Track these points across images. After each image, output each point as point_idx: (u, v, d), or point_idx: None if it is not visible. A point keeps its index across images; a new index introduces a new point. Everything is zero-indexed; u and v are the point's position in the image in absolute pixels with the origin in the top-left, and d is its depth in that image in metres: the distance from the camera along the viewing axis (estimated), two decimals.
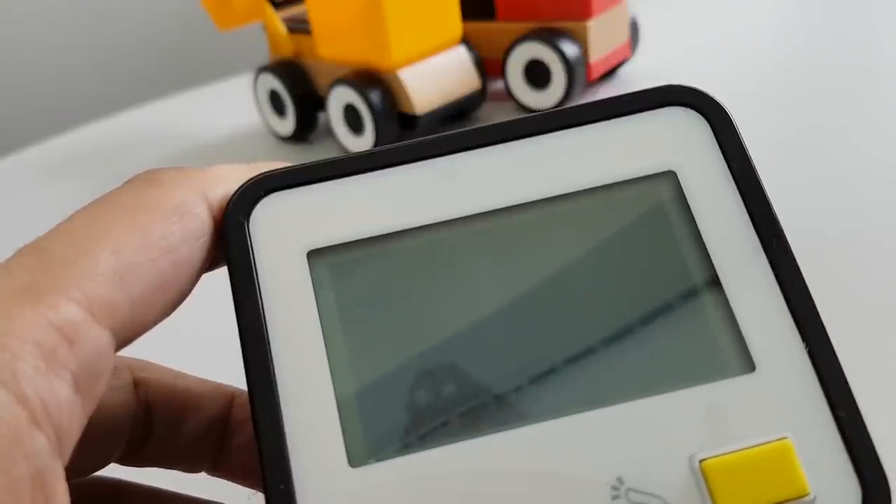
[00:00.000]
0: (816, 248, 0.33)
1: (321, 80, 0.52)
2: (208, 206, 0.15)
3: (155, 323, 0.15)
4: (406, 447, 0.15)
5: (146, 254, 0.14)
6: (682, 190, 0.16)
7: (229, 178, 0.16)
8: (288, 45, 0.54)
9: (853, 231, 0.35)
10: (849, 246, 0.34)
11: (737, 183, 0.16)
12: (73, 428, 0.12)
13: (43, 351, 0.12)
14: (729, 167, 0.16)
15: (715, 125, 0.17)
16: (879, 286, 0.31)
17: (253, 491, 0.20)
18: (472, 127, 0.17)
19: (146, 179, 0.15)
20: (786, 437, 0.14)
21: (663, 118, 0.17)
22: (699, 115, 0.17)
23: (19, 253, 0.13)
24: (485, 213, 0.16)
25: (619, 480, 0.14)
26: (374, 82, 0.48)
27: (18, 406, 0.12)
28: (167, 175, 0.15)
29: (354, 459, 0.14)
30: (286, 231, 0.16)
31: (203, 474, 0.20)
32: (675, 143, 0.16)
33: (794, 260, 0.15)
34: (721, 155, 0.16)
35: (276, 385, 0.15)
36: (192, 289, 0.15)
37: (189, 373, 0.20)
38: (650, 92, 0.17)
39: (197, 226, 0.15)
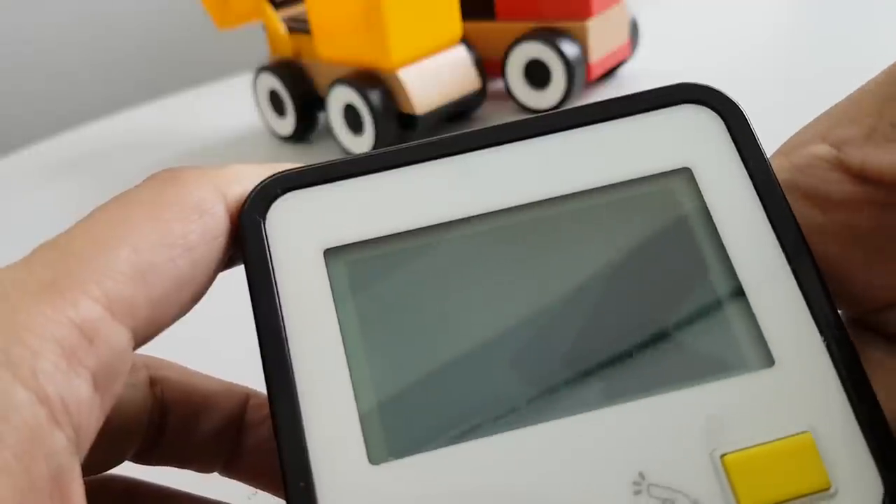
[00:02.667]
0: None
1: (321, 80, 0.52)
2: (226, 205, 0.15)
3: (173, 321, 0.15)
4: (426, 444, 0.14)
5: (165, 252, 0.14)
6: (698, 186, 0.16)
7: (247, 177, 0.16)
8: (288, 45, 0.54)
9: None
10: None
11: (752, 179, 0.16)
12: (91, 427, 0.13)
13: (63, 349, 0.12)
14: (744, 163, 0.16)
15: (730, 122, 0.17)
16: None
17: (254, 491, 0.20)
18: (489, 125, 0.17)
19: (165, 177, 0.15)
20: (806, 431, 0.14)
21: (678, 115, 0.17)
22: (714, 112, 0.17)
23: (39, 249, 0.13)
24: (500, 210, 0.16)
25: (641, 476, 0.14)
26: (374, 82, 0.48)
27: (39, 405, 0.12)
28: (186, 174, 0.15)
29: (374, 456, 0.14)
30: (303, 230, 0.16)
31: (203, 476, 0.20)
32: (691, 140, 0.17)
33: (811, 253, 0.15)
34: (736, 151, 0.16)
35: (294, 383, 0.15)
36: (209, 287, 0.15)
37: (202, 371, 0.20)
38: (665, 90, 0.17)
39: (215, 224, 0.15)
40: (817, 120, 0.17)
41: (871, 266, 0.16)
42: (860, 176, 0.16)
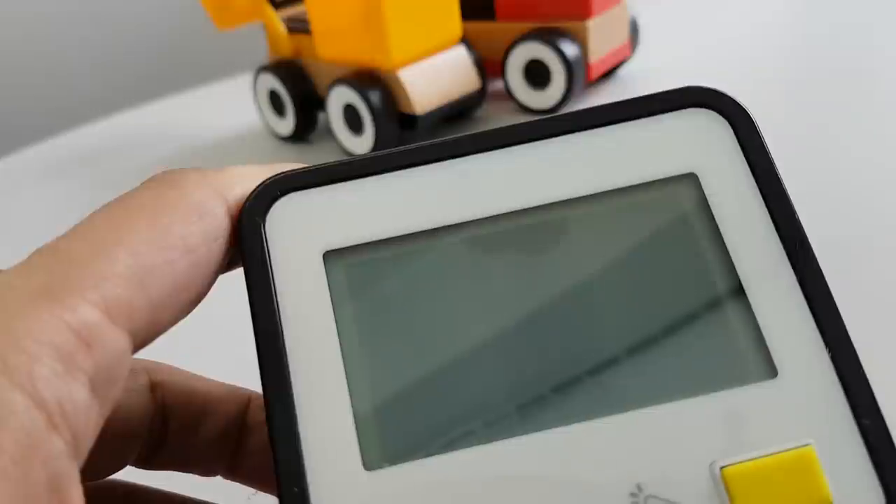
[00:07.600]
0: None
1: (321, 80, 0.52)
2: (226, 207, 0.15)
3: (172, 324, 0.14)
4: (422, 451, 0.14)
5: (165, 255, 0.14)
6: (703, 193, 0.16)
7: (247, 179, 0.16)
8: (288, 45, 0.54)
9: (853, 235, 0.35)
10: (848, 248, 0.34)
11: (759, 186, 0.16)
12: (90, 432, 0.12)
13: (60, 354, 0.12)
14: (751, 170, 0.16)
15: (737, 127, 0.16)
16: (879, 288, 0.31)
17: (253, 491, 0.20)
18: (491, 128, 0.17)
19: (164, 180, 0.15)
20: (808, 444, 0.14)
21: (685, 120, 0.16)
22: (721, 117, 0.16)
23: (36, 253, 0.13)
24: (502, 214, 0.16)
25: (639, 487, 0.14)
26: (374, 82, 0.48)
27: (36, 410, 0.11)
28: (185, 176, 0.15)
29: (369, 463, 0.14)
30: (302, 232, 0.16)
31: (200, 478, 0.20)
32: (697, 145, 0.16)
33: (818, 264, 0.15)
34: (743, 157, 0.16)
35: (291, 387, 0.15)
36: (209, 290, 0.15)
37: (201, 374, 0.20)
38: (671, 93, 0.17)
39: (215, 226, 0.15)
40: None
41: None
42: None
